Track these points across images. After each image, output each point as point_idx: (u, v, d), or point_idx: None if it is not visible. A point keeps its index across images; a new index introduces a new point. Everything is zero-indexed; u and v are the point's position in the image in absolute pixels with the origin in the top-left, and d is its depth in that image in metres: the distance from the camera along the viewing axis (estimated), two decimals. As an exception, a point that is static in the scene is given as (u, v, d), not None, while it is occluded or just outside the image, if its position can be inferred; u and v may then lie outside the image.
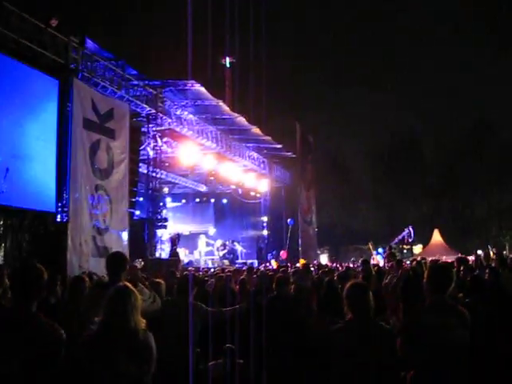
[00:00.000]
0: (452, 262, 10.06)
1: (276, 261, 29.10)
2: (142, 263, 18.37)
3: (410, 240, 33.35)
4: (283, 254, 31.77)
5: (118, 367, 3.96)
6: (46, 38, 15.88)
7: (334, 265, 23.74)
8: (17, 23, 14.85)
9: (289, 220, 33.46)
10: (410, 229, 32.76)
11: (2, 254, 14.76)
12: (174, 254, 23.21)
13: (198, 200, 36.67)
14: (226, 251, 30.13)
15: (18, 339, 3.70)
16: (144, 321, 4.21)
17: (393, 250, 18.48)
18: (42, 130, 16.01)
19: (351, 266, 19.79)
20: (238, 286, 9.63)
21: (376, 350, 4.57)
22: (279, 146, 30.66)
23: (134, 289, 4.30)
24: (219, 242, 30.81)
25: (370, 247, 30.97)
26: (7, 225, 15.05)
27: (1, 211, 14.82)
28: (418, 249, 39.74)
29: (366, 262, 11.38)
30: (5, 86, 14.81)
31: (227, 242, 31.02)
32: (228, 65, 38.38)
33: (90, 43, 17.60)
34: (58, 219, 16.60)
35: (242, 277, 10.63)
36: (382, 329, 4.83)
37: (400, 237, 32.83)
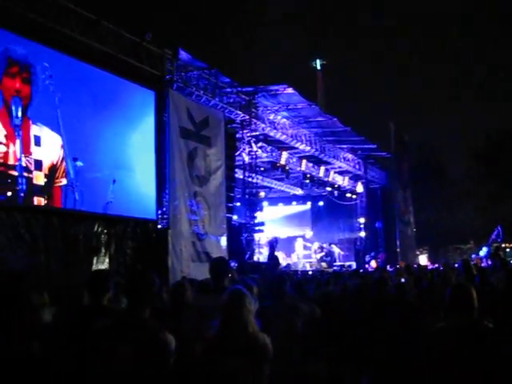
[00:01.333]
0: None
1: (376, 261, 28.80)
2: (236, 265, 18.55)
3: (498, 240, 32.10)
4: (381, 255, 31.31)
5: (237, 370, 3.99)
6: (141, 51, 16.45)
7: (435, 265, 23.21)
8: (113, 39, 15.47)
9: (377, 224, 33.06)
10: (499, 228, 31.54)
11: (108, 260, 15.30)
12: (272, 257, 23.33)
13: (294, 203, 36.77)
14: (323, 254, 29.99)
15: (128, 345, 3.81)
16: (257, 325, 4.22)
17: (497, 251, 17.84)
18: (141, 140, 16.54)
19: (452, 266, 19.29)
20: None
21: (480, 352, 4.44)
22: (374, 145, 30.28)
23: (247, 292, 4.32)
24: (316, 245, 30.70)
25: (471, 247, 30.06)
26: (111, 233, 15.59)
27: (105, 220, 15.40)
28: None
29: (467, 262, 11.05)
30: (105, 100, 15.41)
31: (324, 245, 30.86)
32: (319, 67, 38.30)
33: (183, 54, 18.00)
34: (159, 226, 17.09)
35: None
36: (487, 330, 4.68)
37: (493, 236, 31.67)
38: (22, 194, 13.03)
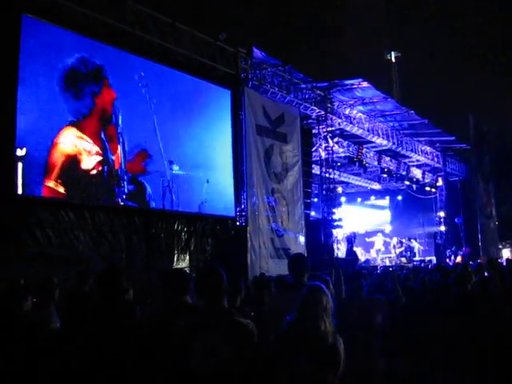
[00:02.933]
0: None
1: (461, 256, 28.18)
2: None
3: None
4: (465, 250, 30.55)
5: (303, 369, 3.96)
6: (216, 51, 16.67)
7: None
8: (188, 41, 15.74)
9: (456, 219, 32.29)
10: None
11: (188, 257, 15.59)
12: (351, 253, 23.22)
13: (372, 198, 36.42)
14: (402, 249, 29.57)
15: (218, 338, 3.87)
16: (333, 323, 4.14)
17: None
18: (218, 139, 16.81)
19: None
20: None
21: None
22: (452, 138, 29.61)
23: (326, 290, 4.26)
24: (395, 240, 30.29)
25: None
26: (190, 231, 15.87)
27: (185, 218, 15.71)
28: None
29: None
30: (186, 102, 15.86)
31: (403, 240, 30.41)
32: (394, 59, 37.76)
33: (257, 52, 18.11)
34: (238, 223, 17.29)
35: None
36: None
37: None
38: (124, 197, 13.87)
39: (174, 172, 15.01)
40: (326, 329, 4.06)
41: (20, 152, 11.49)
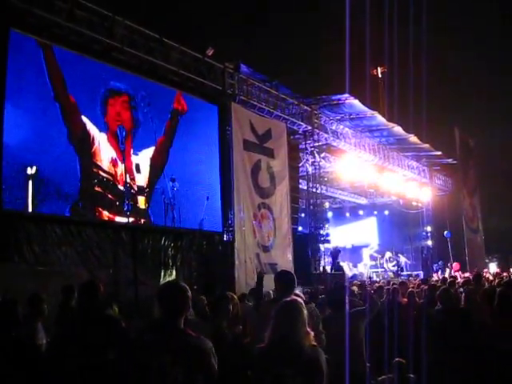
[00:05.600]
0: None
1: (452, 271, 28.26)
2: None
3: None
4: (455, 265, 30.62)
5: (285, 381, 3.96)
6: (203, 67, 16.71)
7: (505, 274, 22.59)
8: (176, 56, 15.78)
9: (445, 232, 32.40)
10: None
11: (175, 273, 15.55)
12: (337, 267, 23.21)
13: (360, 212, 36.52)
14: (395, 262, 29.61)
15: (170, 358, 3.85)
16: (312, 336, 4.18)
17: None
18: (205, 154, 16.82)
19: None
20: (406, 299, 9.51)
21: None
22: (438, 153, 29.81)
23: (302, 303, 4.29)
24: (388, 254, 30.34)
25: None
26: (177, 246, 15.85)
27: (172, 233, 15.69)
28: None
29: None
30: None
31: (391, 254, 30.51)
32: (380, 75, 37.95)
33: (244, 68, 18.20)
34: (225, 239, 17.27)
35: (409, 289, 10.48)
36: None
37: None
38: (128, 214, 14.06)
39: (175, 189, 15.14)
40: (307, 342, 4.10)
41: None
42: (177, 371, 3.82)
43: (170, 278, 15.08)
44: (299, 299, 4.50)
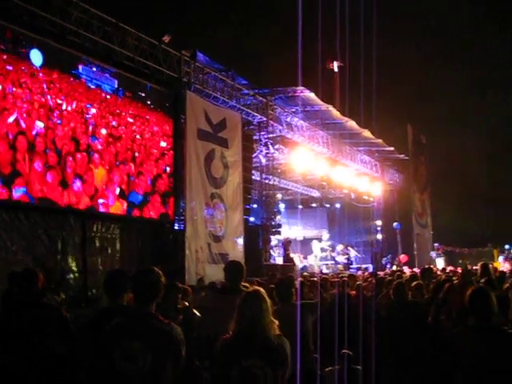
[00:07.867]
0: None
1: (397, 265, 28.66)
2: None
3: None
4: (403, 257, 31.10)
5: (254, 372, 3.96)
6: (159, 53, 16.48)
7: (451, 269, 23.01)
8: (132, 42, 15.51)
9: (395, 224, 32.85)
10: None
11: (124, 261, 15.39)
12: (288, 259, 23.30)
13: (312, 205, 36.70)
14: (347, 255, 29.85)
15: (139, 344, 3.91)
16: (277, 325, 4.18)
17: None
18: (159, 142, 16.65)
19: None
20: (354, 292, 9.56)
21: (500, 356, 4.44)
22: (391, 148, 30.20)
23: (265, 293, 4.27)
24: (340, 247, 30.56)
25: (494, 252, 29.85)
26: (127, 233, 15.68)
27: (121, 221, 15.50)
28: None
29: (486, 266, 10.88)
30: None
31: (343, 247, 30.75)
32: (336, 69, 38.12)
33: (200, 56, 18.03)
34: (176, 227, 17.14)
35: (358, 282, 10.56)
36: (506, 334, 4.67)
37: None
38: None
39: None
40: (272, 331, 4.10)
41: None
42: (146, 356, 3.87)
43: (117, 266, 14.90)
44: (261, 289, 4.45)
